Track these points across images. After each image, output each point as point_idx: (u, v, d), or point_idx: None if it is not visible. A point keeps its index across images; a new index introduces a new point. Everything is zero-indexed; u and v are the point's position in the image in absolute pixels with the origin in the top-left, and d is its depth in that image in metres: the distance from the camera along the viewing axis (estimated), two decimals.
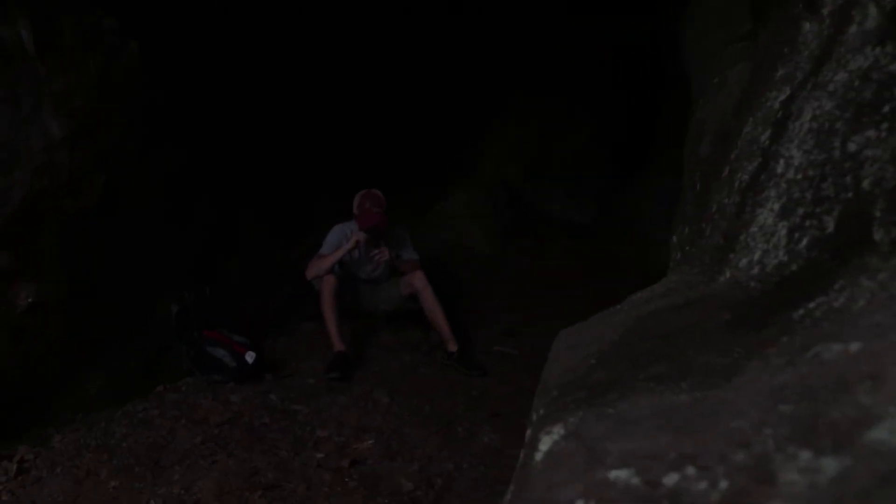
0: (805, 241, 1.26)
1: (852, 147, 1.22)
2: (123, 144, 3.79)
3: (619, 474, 0.78)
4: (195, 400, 4.00)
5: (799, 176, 1.34)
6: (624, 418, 0.92)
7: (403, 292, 4.88)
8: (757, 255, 1.36)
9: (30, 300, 3.32)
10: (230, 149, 5.39)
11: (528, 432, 1.22)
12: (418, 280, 4.75)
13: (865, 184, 1.16)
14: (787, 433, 0.75)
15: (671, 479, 0.74)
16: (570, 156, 7.47)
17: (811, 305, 1.06)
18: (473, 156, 7.37)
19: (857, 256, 1.09)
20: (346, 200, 5.14)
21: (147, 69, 4.00)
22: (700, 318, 1.22)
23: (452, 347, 4.62)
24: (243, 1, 5.48)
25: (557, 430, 0.97)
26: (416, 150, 7.11)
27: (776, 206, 1.36)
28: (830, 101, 1.32)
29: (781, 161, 1.40)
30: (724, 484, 0.71)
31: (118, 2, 3.79)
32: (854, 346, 0.84)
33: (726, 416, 0.82)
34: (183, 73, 4.59)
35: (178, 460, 3.44)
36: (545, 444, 0.97)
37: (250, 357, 4.18)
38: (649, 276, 5.87)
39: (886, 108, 1.19)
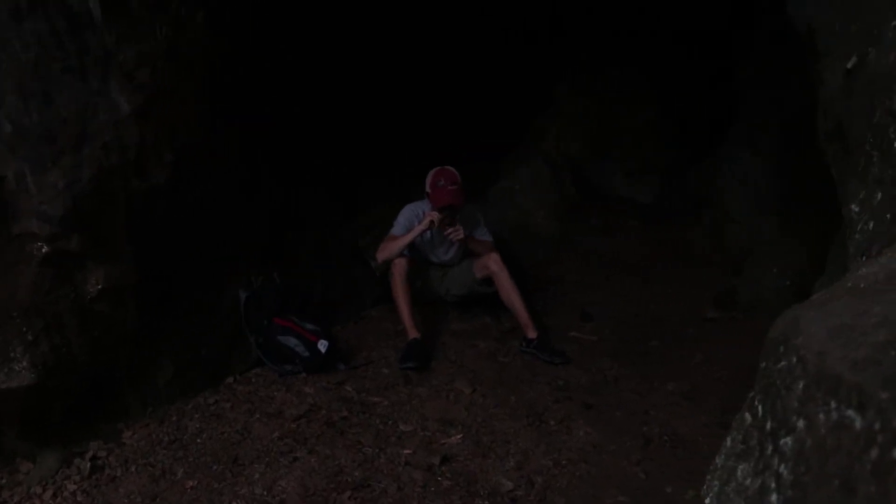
0: None
1: None
2: (190, 120, 3.55)
3: None
4: (267, 392, 3.78)
5: None
6: None
7: (477, 275, 4.59)
8: None
9: (99, 286, 3.11)
10: (290, 127, 5.17)
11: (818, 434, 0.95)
12: (494, 262, 4.46)
13: None
14: None
15: None
16: (635, 131, 7.11)
17: None
18: (535, 131, 7.04)
19: None
20: (405, 180, 4.89)
21: (212, 41, 3.75)
22: None
23: (532, 334, 4.33)
24: None
25: None
26: (473, 125, 6.81)
27: None
28: None
29: None
30: None
31: None
32: None
33: None
34: (243, 44, 4.36)
35: (257, 457, 3.23)
36: None
37: (323, 346, 3.93)
38: (728, 257, 5.54)
39: None
